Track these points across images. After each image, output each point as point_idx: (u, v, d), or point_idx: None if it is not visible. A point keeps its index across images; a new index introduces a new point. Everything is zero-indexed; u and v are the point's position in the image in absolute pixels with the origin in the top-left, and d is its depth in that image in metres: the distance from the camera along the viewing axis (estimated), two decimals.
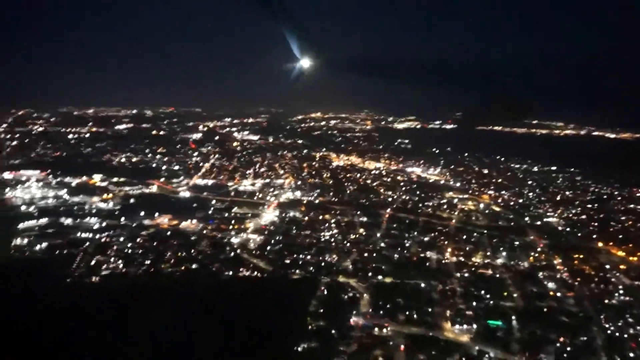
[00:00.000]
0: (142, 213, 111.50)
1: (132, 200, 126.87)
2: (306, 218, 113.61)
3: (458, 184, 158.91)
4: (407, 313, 66.56)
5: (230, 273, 79.61)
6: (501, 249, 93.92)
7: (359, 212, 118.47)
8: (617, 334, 62.79)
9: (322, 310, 66.72)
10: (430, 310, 67.88)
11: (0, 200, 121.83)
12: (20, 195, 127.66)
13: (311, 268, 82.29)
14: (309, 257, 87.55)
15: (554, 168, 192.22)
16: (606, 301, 72.40)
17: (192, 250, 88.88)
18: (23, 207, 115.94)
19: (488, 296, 72.55)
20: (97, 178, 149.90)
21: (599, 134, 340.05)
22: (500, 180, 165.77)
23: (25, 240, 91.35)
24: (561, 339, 60.66)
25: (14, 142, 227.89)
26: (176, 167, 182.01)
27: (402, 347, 58.12)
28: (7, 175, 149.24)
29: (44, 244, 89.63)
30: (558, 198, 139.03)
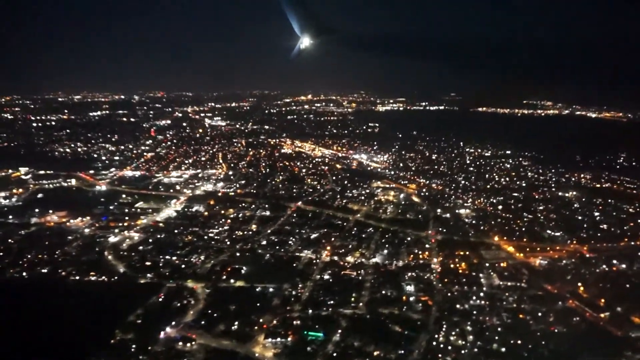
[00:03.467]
0: (37, 210, 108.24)
1: (40, 195, 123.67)
2: (206, 213, 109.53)
3: (394, 172, 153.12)
4: (230, 323, 62.46)
5: (77, 278, 75.93)
6: (387, 246, 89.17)
7: (266, 206, 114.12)
8: (442, 345, 58.08)
9: (139, 321, 62.94)
10: (257, 319, 63.62)
11: None
12: None
13: (167, 271, 78.36)
14: (174, 257, 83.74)
15: (508, 152, 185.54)
16: (458, 306, 67.59)
17: (58, 252, 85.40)
18: None
19: (332, 302, 68.16)
20: (22, 171, 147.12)
21: (581, 113, 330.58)
22: (442, 167, 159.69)
23: None
24: (376, 353, 56.19)
25: None
26: (117, 157, 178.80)
27: None
28: None
29: None
30: (489, 186, 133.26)
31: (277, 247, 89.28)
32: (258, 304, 67.85)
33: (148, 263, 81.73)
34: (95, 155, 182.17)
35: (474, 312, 65.92)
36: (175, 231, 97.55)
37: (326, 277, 76.87)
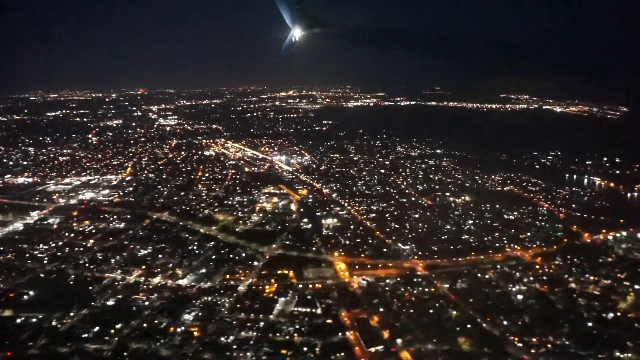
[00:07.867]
0: None
1: None
2: (56, 226, 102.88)
3: (299, 175, 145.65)
4: None
5: None
6: (210, 264, 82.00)
7: (128, 217, 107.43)
8: None
9: None
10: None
11: None
12: None
13: None
14: None
15: (439, 151, 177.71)
16: (222, 339, 60.32)
17: None
18: None
19: (87, 335, 61.05)
20: None
21: (548, 108, 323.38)
22: (354, 169, 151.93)
23: None
24: None
25: None
26: (25, 162, 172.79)
27: None
28: None
29: None
30: (384, 190, 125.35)
31: (92, 267, 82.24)
32: (1, 339, 60.75)
33: None
34: (5, 160, 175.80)
35: (235, 346, 58.44)
36: (1, 248, 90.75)
37: (110, 302, 69.75)
